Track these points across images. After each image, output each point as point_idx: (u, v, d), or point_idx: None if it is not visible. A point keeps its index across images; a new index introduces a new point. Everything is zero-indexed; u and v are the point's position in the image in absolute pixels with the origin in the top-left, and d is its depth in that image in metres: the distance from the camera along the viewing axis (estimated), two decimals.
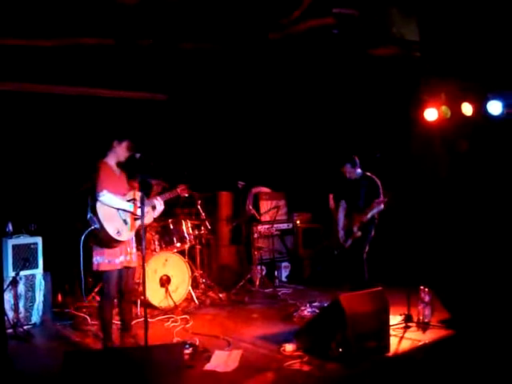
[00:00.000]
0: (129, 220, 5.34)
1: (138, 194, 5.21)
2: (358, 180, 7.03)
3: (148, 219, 5.50)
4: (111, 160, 5.44)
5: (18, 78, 7.34)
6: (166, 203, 5.78)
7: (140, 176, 5.20)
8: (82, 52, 6.77)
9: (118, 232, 5.22)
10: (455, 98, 7.28)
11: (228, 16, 6.26)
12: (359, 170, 7.05)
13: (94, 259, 5.29)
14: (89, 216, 5.21)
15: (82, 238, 5.30)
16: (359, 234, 6.95)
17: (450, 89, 7.35)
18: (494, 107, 6.94)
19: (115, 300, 6.87)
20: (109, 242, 5.22)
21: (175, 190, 5.90)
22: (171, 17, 6.22)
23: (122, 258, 5.33)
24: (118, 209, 5.28)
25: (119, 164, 5.47)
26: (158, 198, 5.58)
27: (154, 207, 5.56)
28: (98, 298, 7.36)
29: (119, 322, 5.77)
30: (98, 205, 5.18)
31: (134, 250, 5.54)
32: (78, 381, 3.95)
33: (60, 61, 6.98)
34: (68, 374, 3.99)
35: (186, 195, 6.17)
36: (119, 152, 5.40)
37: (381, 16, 6.34)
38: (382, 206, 6.85)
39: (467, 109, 7.20)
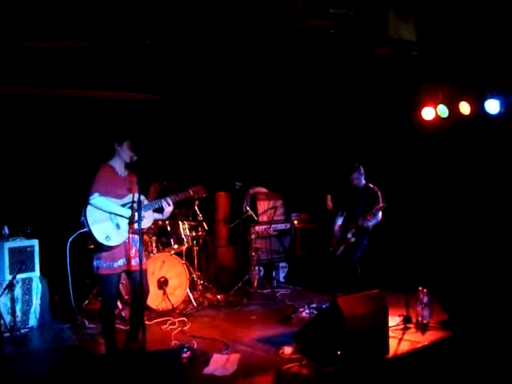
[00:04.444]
0: (122, 224, 5.21)
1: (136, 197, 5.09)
2: (360, 190, 7.07)
3: (147, 223, 5.36)
4: (116, 162, 5.34)
5: (12, 81, 7.28)
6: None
7: (138, 180, 5.08)
8: (76, 53, 6.70)
9: (107, 237, 5.09)
10: (453, 98, 7.28)
11: (225, 14, 6.20)
12: (363, 181, 7.09)
13: (94, 263, 5.21)
14: (81, 219, 5.11)
15: (69, 241, 5.23)
16: (353, 239, 7.01)
17: (447, 88, 7.35)
18: (492, 106, 6.94)
19: (119, 304, 6.91)
20: (100, 245, 5.12)
21: (187, 192, 5.61)
22: (167, 17, 6.17)
23: (121, 262, 5.21)
24: (111, 213, 5.17)
25: (127, 165, 5.37)
26: (168, 198, 5.40)
27: (159, 209, 5.42)
28: (93, 301, 7.36)
29: (128, 328, 5.69)
30: (89, 208, 5.08)
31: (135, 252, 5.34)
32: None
33: (54, 63, 6.91)
34: (65, 378, 3.98)
35: (204, 196, 5.86)
36: (122, 153, 5.29)
37: (378, 16, 6.31)
38: (380, 215, 6.88)
39: (465, 108, 7.20)
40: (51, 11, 5.64)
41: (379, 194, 6.97)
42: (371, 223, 6.92)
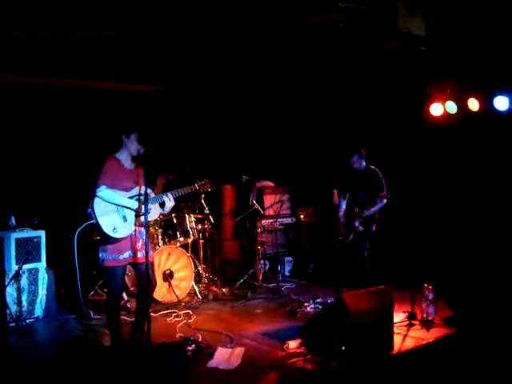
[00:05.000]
0: (129, 216, 5.20)
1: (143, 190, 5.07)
2: (361, 172, 7.00)
3: (153, 215, 5.34)
4: (122, 154, 5.32)
5: (16, 71, 7.26)
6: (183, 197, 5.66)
7: (145, 173, 5.07)
8: (79, 43, 6.66)
9: (114, 229, 5.09)
10: (461, 94, 7.24)
11: (233, 8, 6.17)
12: (364, 163, 7.02)
13: (100, 255, 5.21)
14: (88, 211, 5.11)
15: (77, 232, 5.23)
16: (361, 228, 6.92)
17: (456, 84, 7.30)
18: (501, 103, 6.90)
19: (125, 296, 6.93)
20: (106, 238, 5.13)
21: (193, 186, 5.59)
22: (173, 9, 6.14)
23: (126, 255, 5.21)
24: (117, 205, 5.17)
25: (134, 158, 5.35)
26: (169, 194, 5.38)
27: (162, 204, 5.38)
28: (100, 292, 7.38)
29: (133, 319, 5.69)
30: (96, 200, 5.08)
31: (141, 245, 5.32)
32: (77, 374, 3.95)
33: (56, 53, 6.89)
34: (69, 369, 4.00)
35: (210, 190, 5.82)
36: (129, 145, 5.27)
37: (387, 10, 6.27)
38: (385, 200, 6.82)
39: (474, 104, 7.16)
40: (56, 1, 5.63)
41: (381, 176, 6.86)
42: (375, 209, 6.84)
